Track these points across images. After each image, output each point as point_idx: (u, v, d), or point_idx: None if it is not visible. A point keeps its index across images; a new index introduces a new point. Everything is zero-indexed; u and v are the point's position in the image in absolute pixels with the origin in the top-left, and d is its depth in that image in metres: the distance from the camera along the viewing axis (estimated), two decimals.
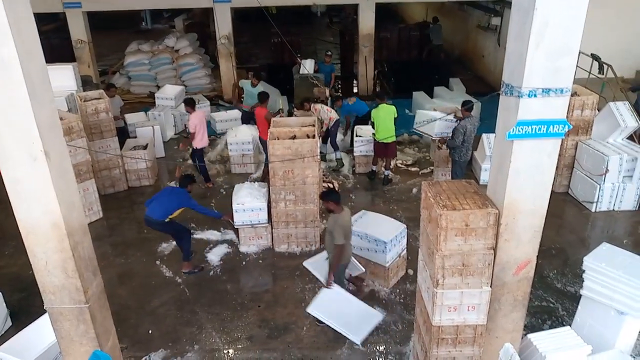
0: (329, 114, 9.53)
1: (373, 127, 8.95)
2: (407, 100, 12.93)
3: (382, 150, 8.96)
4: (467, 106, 7.79)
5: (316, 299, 5.53)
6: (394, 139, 8.85)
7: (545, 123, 3.75)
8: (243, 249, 7.28)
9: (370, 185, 9.25)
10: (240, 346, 5.61)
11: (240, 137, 9.68)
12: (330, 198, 5.52)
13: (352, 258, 5.99)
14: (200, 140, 8.76)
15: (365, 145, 9.39)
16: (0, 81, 3.38)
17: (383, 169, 9.28)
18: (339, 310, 5.43)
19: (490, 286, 4.23)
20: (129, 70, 14.73)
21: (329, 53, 13.30)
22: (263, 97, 9.18)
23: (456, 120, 8.10)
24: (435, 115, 8.81)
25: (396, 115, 8.88)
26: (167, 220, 6.45)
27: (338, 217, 5.43)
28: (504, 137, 3.85)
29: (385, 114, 8.76)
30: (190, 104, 8.81)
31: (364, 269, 6.19)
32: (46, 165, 3.67)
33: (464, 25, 17.67)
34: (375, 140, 8.96)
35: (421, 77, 13.74)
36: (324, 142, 9.79)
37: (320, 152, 9.43)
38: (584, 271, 4.91)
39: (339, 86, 13.92)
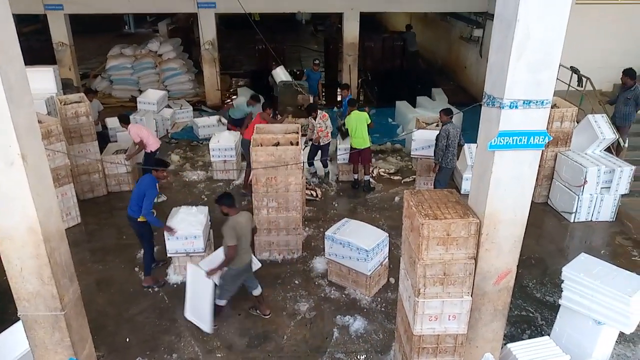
0: (330, 129, 9.33)
1: (348, 134, 9.11)
2: (390, 109, 13.03)
3: (357, 156, 9.04)
4: (448, 114, 7.86)
5: (201, 270, 5.78)
6: (368, 144, 8.95)
7: (525, 134, 3.80)
8: (174, 279, 6.68)
9: (353, 193, 9.26)
10: (219, 355, 5.53)
11: (223, 143, 9.62)
12: (222, 202, 5.64)
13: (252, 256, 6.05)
14: (154, 143, 8.71)
15: (346, 153, 9.40)
16: None
17: (363, 176, 9.30)
18: (195, 292, 5.84)
19: (471, 296, 4.25)
20: (111, 74, 14.56)
21: (317, 62, 13.33)
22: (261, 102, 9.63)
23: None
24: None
25: (369, 122, 8.97)
26: (139, 218, 6.31)
27: (231, 219, 5.57)
28: (486, 148, 3.89)
29: (356, 121, 8.86)
30: (124, 120, 8.84)
31: (260, 264, 6.31)
32: (23, 169, 3.60)
33: (446, 36, 17.88)
34: (350, 146, 9.05)
35: (404, 86, 13.87)
36: (310, 164, 9.58)
37: (315, 174, 9.44)
38: (562, 281, 4.98)
39: (323, 93, 13.96)
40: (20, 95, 3.59)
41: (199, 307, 5.79)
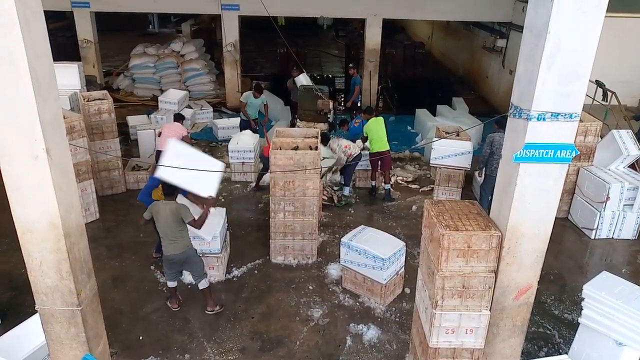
0: (348, 150, 8.80)
1: (365, 142, 9.08)
2: (409, 116, 12.97)
3: (377, 162, 9.00)
4: (499, 124, 7.84)
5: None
6: (387, 147, 8.92)
7: (552, 147, 3.73)
8: (188, 279, 6.51)
9: (370, 201, 9.20)
10: (231, 357, 5.50)
11: (242, 145, 9.64)
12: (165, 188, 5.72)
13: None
14: (160, 145, 8.77)
15: (365, 159, 9.35)
16: (6, 76, 3.35)
17: (383, 183, 9.25)
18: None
19: (490, 310, 4.17)
20: (133, 72, 14.71)
21: (351, 65, 13.34)
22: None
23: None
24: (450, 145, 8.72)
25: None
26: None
27: (159, 201, 5.73)
28: (511, 160, 3.83)
29: (375, 125, 8.88)
30: (177, 118, 9.13)
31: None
32: (47, 163, 3.62)
33: (469, 45, 17.77)
34: (370, 153, 9.02)
35: (425, 94, 13.80)
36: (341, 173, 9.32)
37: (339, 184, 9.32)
38: (582, 299, 4.87)
39: (360, 98, 14.01)
40: (48, 91, 3.62)
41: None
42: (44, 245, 3.88)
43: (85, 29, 13.75)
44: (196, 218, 5.65)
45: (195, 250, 6.02)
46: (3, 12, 3.17)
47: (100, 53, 14.55)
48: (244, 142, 9.71)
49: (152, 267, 6.97)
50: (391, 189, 9.24)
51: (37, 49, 3.47)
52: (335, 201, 8.92)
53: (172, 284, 6.07)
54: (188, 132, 9.55)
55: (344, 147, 8.77)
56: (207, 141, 11.76)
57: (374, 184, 9.32)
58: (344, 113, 13.02)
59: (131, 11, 14.78)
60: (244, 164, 9.66)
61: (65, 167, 3.94)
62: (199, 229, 5.84)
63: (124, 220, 8.22)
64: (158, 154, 8.77)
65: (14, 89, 3.38)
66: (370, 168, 9.31)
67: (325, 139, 8.88)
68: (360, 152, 8.88)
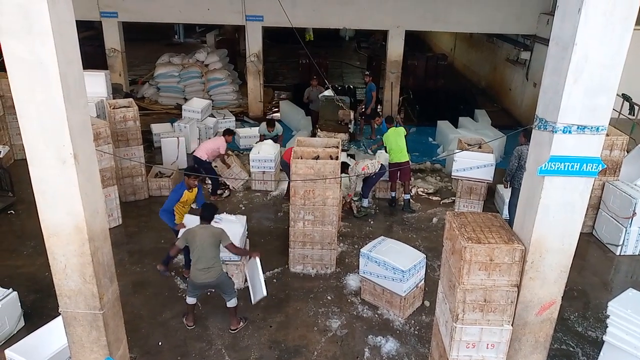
0: (367, 171, 8.57)
1: (387, 152, 9.08)
2: (431, 128, 12.92)
3: (396, 173, 8.96)
4: (527, 137, 7.65)
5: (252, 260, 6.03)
6: (407, 158, 8.88)
7: (578, 160, 3.68)
8: None
9: (390, 212, 9.16)
10: None
11: (263, 154, 9.71)
12: (203, 212, 5.81)
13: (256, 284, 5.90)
14: (198, 150, 9.20)
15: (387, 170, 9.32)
16: (37, 82, 3.44)
17: (403, 194, 9.20)
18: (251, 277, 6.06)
19: (512, 325, 4.10)
20: (158, 81, 14.96)
21: (367, 72, 13.45)
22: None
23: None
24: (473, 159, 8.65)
25: (406, 133, 9.04)
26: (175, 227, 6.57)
27: (195, 226, 5.78)
28: (535, 172, 3.78)
29: (394, 136, 8.89)
30: (227, 132, 9.59)
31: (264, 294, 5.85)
32: (74, 168, 3.70)
33: (491, 57, 17.66)
34: (389, 163, 9.00)
35: (446, 106, 13.73)
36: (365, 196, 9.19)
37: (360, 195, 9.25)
38: (607, 316, 4.77)
39: (379, 107, 14.06)
40: (77, 97, 3.71)
41: (256, 287, 5.91)
42: (68, 248, 3.95)
43: (112, 39, 14.06)
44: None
45: (226, 272, 6.08)
46: (38, 23, 3.27)
47: (126, 62, 14.83)
48: (265, 152, 9.77)
49: (172, 274, 7.03)
50: (411, 200, 9.18)
51: (68, 56, 3.57)
52: (355, 212, 8.90)
53: (191, 300, 5.92)
54: (228, 152, 9.76)
55: (361, 169, 8.60)
56: (229, 150, 11.84)
57: (393, 195, 9.27)
58: (364, 123, 13.07)
59: (157, 21, 15.05)
60: (265, 173, 9.71)
61: (92, 172, 4.02)
62: (234, 253, 6.02)
63: (146, 226, 8.32)
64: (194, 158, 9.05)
65: (46, 95, 3.48)
66: (389, 179, 9.27)
67: (344, 168, 8.60)
68: (382, 165, 8.81)
